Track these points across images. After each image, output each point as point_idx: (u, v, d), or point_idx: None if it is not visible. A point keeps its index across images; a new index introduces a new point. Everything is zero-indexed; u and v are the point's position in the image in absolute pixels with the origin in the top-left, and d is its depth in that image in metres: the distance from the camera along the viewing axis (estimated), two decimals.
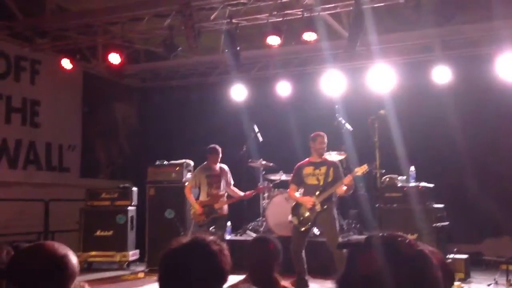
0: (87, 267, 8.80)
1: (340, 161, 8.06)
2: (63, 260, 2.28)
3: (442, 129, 9.05)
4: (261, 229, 9.04)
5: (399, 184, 7.63)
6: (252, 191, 8.19)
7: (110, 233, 8.77)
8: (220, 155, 8.09)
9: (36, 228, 9.10)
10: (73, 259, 2.31)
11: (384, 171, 8.01)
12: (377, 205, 7.75)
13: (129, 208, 9.11)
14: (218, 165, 8.10)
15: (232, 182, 8.17)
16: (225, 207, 8.01)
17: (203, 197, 8.00)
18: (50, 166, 10.20)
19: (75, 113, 10.83)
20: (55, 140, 10.33)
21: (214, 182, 7.99)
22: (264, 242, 3.59)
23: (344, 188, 6.93)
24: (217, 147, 8.08)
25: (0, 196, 9.03)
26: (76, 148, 10.73)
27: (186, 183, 8.37)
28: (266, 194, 9.10)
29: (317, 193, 7.02)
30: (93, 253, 8.87)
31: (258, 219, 9.33)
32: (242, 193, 8.10)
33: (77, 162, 10.74)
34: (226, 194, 8.06)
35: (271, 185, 8.98)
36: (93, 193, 9.20)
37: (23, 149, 9.75)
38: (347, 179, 6.88)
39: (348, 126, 8.42)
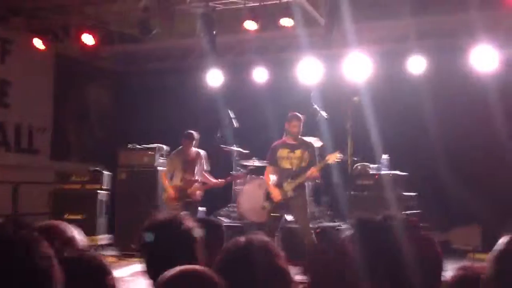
0: None
1: (317, 148, 8.07)
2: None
3: (416, 118, 9.10)
4: (233, 214, 9.02)
5: (371, 172, 7.67)
6: (226, 178, 8.16)
7: (80, 216, 8.62)
8: (196, 141, 8.03)
9: (4, 211, 8.92)
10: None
11: (356, 158, 8.04)
12: (348, 192, 7.78)
13: (99, 192, 8.95)
14: (194, 150, 8.04)
15: (207, 169, 8.13)
16: (198, 192, 7.97)
17: (176, 182, 7.95)
18: (20, 148, 10.00)
19: (47, 95, 10.61)
20: (25, 122, 10.12)
21: (188, 167, 7.95)
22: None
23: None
24: (193, 132, 8.03)
25: None
26: (46, 130, 10.53)
27: (162, 170, 8.33)
28: (239, 181, 9.07)
29: (289, 179, 7.02)
30: None
31: (230, 205, 9.30)
32: (215, 180, 8.06)
33: (47, 144, 10.54)
34: (200, 180, 8.01)
35: (245, 172, 8.95)
36: (63, 176, 9.05)
37: None
38: (313, 169, 6.90)
39: (323, 113, 8.42)
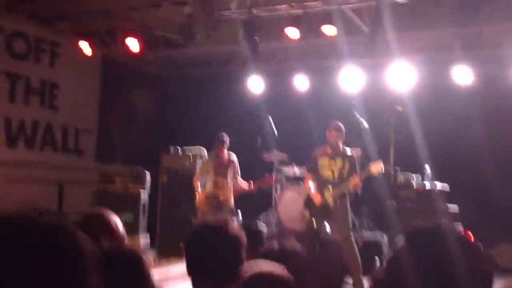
0: None
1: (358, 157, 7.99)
2: None
3: (461, 129, 8.93)
4: (272, 220, 9.03)
5: (414, 183, 7.56)
6: (257, 182, 8.09)
7: (123, 217, 8.77)
8: (226, 143, 7.95)
9: (50, 209, 9.15)
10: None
11: (398, 168, 7.94)
12: (390, 204, 7.69)
13: (142, 192, 9.08)
14: (227, 154, 8.00)
15: (239, 174, 8.06)
16: (231, 197, 7.91)
17: (209, 186, 7.94)
18: (66, 149, 10.28)
19: (93, 98, 10.87)
20: (72, 123, 10.40)
21: (220, 171, 7.91)
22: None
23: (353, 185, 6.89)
24: (222, 135, 7.95)
25: (17, 175, 9.12)
26: (92, 132, 10.79)
27: (195, 172, 8.39)
28: (278, 186, 9.07)
29: (330, 187, 6.98)
30: None
31: (268, 210, 9.30)
32: (245, 186, 7.99)
33: (92, 146, 10.79)
34: (232, 185, 7.96)
35: (279, 177, 8.90)
36: (107, 176, 9.24)
37: (40, 130, 9.85)
38: (356, 178, 6.83)
39: (364, 123, 8.34)
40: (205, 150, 9.32)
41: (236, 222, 6.66)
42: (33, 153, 9.68)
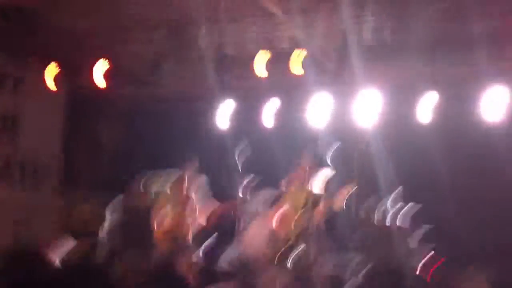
0: None
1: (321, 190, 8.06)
2: None
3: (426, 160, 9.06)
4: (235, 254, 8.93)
5: (375, 220, 7.65)
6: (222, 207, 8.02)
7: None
8: (189, 175, 7.89)
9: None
10: None
11: (362, 203, 8.04)
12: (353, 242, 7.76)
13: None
14: (186, 184, 7.93)
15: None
16: (189, 233, 7.76)
17: (167, 222, 7.82)
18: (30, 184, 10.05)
19: (57, 130, 10.66)
20: (34, 157, 10.18)
21: (179, 206, 7.81)
22: None
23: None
24: (186, 166, 7.88)
25: None
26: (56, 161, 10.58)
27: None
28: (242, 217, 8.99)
29: (296, 219, 7.08)
30: None
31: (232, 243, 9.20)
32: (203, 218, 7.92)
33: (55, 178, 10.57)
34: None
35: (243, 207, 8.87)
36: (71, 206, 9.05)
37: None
38: (319, 211, 6.91)
39: (328, 154, 8.44)
40: (172, 176, 9.20)
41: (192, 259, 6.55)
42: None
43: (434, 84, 8.84)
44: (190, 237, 7.74)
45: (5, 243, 8.89)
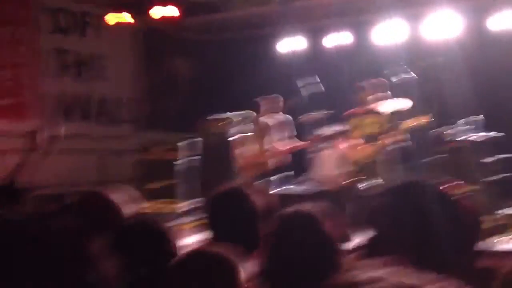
0: None
1: (396, 112, 7.80)
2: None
3: (509, 78, 8.50)
4: (309, 181, 8.96)
5: (450, 137, 7.30)
6: (297, 144, 8.07)
7: (164, 184, 8.93)
8: (266, 106, 7.96)
9: (93, 179, 9.45)
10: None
11: (437, 122, 7.69)
12: (425, 160, 7.48)
13: (179, 160, 9.15)
14: (264, 118, 8.01)
15: (292, 133, 8.04)
16: (272, 161, 7.94)
17: (250, 151, 7.98)
18: (109, 118, 10.49)
19: (134, 67, 11.01)
20: (114, 93, 10.58)
21: (259, 136, 7.95)
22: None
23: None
24: (258, 100, 7.97)
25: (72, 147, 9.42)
26: (134, 101, 10.95)
27: (234, 137, 8.40)
28: (317, 146, 8.96)
29: (367, 144, 6.92)
30: (148, 204, 9.13)
31: (306, 172, 9.23)
32: (287, 147, 8.01)
33: (135, 114, 10.95)
34: (272, 148, 7.98)
35: (317, 136, 8.81)
36: (146, 145, 9.37)
37: (87, 102, 10.12)
38: (389, 135, 6.72)
39: (407, 75, 8.10)
40: (244, 115, 9.29)
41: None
42: (86, 124, 9.97)
43: None
44: (272, 165, 7.83)
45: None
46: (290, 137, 8.09)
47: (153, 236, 2.21)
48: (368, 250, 2.10)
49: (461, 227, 2.16)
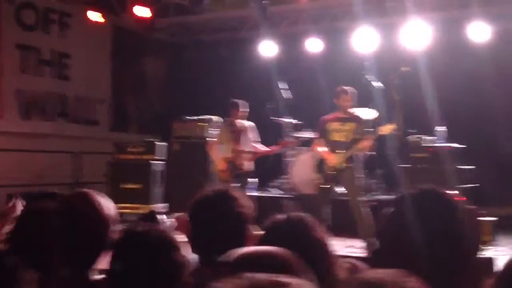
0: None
1: (371, 120, 7.89)
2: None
3: (476, 89, 8.73)
4: (285, 186, 9.00)
5: (424, 144, 7.45)
6: (277, 146, 8.12)
7: (136, 186, 8.81)
8: (242, 109, 7.96)
9: (65, 180, 9.25)
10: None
11: (410, 131, 7.82)
12: (400, 166, 7.60)
13: (153, 162, 9.04)
14: (240, 120, 8.01)
15: (257, 139, 8.10)
16: (249, 164, 7.94)
17: (226, 153, 7.95)
18: (80, 119, 10.30)
19: (105, 67, 10.83)
20: (85, 94, 10.39)
21: (237, 138, 7.92)
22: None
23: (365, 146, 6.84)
24: (237, 101, 7.97)
25: (31, 148, 9.22)
26: (105, 102, 10.78)
27: (210, 140, 8.36)
28: (291, 152, 9.01)
29: (342, 150, 6.94)
30: (120, 205, 8.95)
31: (281, 176, 9.27)
32: (264, 149, 8.04)
33: (106, 115, 10.81)
34: (248, 150, 7.97)
35: (294, 140, 8.86)
36: (120, 146, 9.24)
37: (53, 101, 9.86)
38: (367, 140, 6.77)
39: (377, 84, 8.20)
40: (217, 119, 9.27)
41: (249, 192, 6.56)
42: (47, 124, 9.72)
43: None
44: (248, 167, 7.80)
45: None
46: (255, 143, 8.10)
47: (161, 245, 2.12)
48: (371, 262, 2.10)
49: (466, 239, 2.18)
